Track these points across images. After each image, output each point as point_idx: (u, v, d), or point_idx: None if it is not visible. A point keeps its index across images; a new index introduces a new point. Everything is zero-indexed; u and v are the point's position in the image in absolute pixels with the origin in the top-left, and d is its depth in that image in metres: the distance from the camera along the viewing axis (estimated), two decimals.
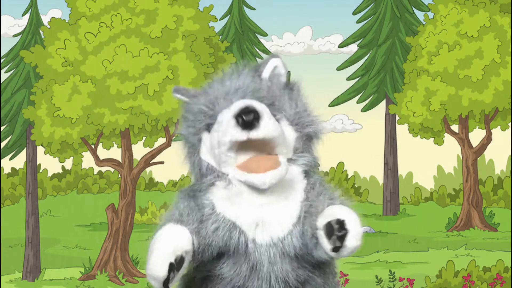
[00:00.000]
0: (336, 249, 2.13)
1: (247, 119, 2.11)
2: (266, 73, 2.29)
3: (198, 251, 2.21)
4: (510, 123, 10.75)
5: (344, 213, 2.16)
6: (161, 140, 9.77)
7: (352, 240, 2.13)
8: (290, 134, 2.24)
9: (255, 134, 2.14)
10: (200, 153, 2.26)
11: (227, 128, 2.15)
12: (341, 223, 2.12)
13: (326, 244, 2.16)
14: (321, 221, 2.18)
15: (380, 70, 11.48)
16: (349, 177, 11.80)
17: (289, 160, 2.23)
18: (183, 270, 2.16)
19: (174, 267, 2.09)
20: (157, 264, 2.10)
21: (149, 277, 2.13)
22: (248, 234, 2.22)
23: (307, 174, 2.28)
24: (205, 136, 2.25)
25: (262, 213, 2.21)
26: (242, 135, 2.14)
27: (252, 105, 2.14)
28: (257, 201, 2.21)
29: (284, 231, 2.23)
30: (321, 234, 2.18)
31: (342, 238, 2.12)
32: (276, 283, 2.24)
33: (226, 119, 2.15)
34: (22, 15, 10.51)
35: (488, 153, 11.28)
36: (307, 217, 2.23)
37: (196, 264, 2.26)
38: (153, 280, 2.11)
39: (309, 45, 11.73)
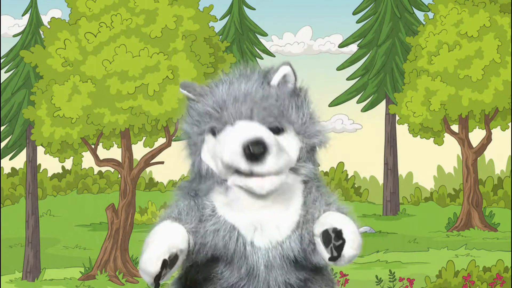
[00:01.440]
0: (333, 258, 2.14)
1: (255, 153, 2.10)
2: (275, 80, 2.26)
3: (193, 251, 2.22)
4: (510, 123, 10.75)
5: (341, 221, 2.16)
6: (161, 140, 9.77)
7: (349, 250, 2.13)
8: (295, 145, 2.24)
9: (259, 168, 2.14)
10: (201, 154, 2.25)
11: (232, 154, 2.14)
12: (338, 233, 2.13)
13: (324, 252, 2.17)
14: (318, 228, 2.19)
15: (380, 70, 11.48)
16: (349, 177, 11.80)
17: (291, 169, 2.23)
18: (176, 268, 2.17)
19: (167, 264, 2.11)
20: (150, 259, 2.13)
21: (141, 272, 2.15)
22: (246, 237, 2.22)
23: (305, 180, 2.28)
24: (209, 138, 2.24)
25: (261, 217, 2.21)
26: (246, 166, 2.13)
27: (262, 138, 2.12)
28: (256, 205, 2.20)
29: (283, 236, 2.23)
30: (318, 242, 2.18)
31: (339, 248, 2.12)
32: (276, 285, 2.24)
33: (233, 144, 2.13)
34: (22, 15, 10.51)
35: (488, 153, 11.29)
36: (305, 223, 2.24)
37: (189, 264, 2.26)
38: (145, 275, 2.14)
39: (309, 45, 11.73)
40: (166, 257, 2.11)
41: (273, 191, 2.19)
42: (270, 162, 2.15)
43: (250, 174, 2.16)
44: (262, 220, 2.22)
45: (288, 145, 2.22)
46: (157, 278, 2.11)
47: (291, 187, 2.24)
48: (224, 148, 2.16)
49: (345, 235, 2.14)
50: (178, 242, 2.17)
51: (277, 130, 2.21)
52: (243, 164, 2.13)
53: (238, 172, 2.18)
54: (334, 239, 2.14)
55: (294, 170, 2.25)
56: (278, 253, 2.24)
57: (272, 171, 2.16)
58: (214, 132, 2.23)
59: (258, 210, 2.22)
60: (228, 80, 2.28)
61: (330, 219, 2.20)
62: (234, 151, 2.13)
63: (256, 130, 2.15)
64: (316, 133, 2.29)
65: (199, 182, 2.28)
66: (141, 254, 2.16)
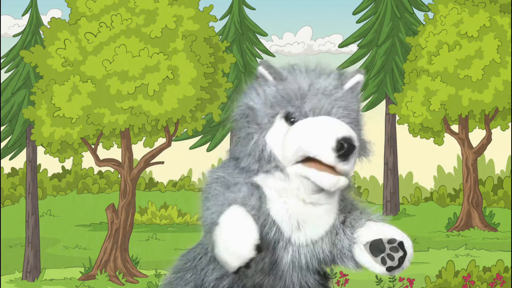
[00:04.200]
0: (391, 269, 2.15)
1: (347, 150, 2.10)
2: (348, 85, 2.27)
3: None
4: (510, 123, 10.75)
5: (398, 234, 2.19)
6: (161, 140, 9.77)
7: (407, 262, 2.16)
8: None
9: (342, 167, 2.13)
10: (266, 135, 2.22)
11: (323, 145, 2.11)
12: (399, 244, 2.14)
13: (369, 261, 2.17)
14: (366, 237, 2.19)
15: (380, 70, 11.48)
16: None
17: None
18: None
19: (261, 249, 2.06)
20: (246, 244, 2.04)
21: (229, 254, 2.06)
22: (285, 233, 2.21)
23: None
24: (281, 122, 2.21)
25: (306, 215, 2.21)
26: (333, 161, 2.12)
27: (353, 137, 2.13)
28: (309, 200, 2.19)
29: (318, 235, 2.23)
30: (362, 249, 2.19)
31: (401, 259, 2.14)
32: (291, 283, 2.24)
33: (326, 137, 2.11)
34: (22, 15, 10.51)
35: (488, 153, 11.28)
36: (342, 228, 2.24)
37: None
38: (235, 258, 2.04)
39: (309, 45, 11.73)
40: (259, 242, 2.07)
41: (340, 189, 2.20)
42: (352, 164, 2.16)
43: (319, 165, 2.14)
44: (307, 218, 2.22)
45: None
46: (248, 263, 2.06)
47: (334, 192, 2.25)
48: (312, 138, 2.13)
49: (406, 248, 2.16)
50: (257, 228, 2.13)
51: None
52: (331, 157, 2.11)
53: (304, 161, 2.16)
54: (393, 249, 2.15)
55: None
56: (309, 251, 2.24)
57: (349, 172, 2.17)
58: (288, 119, 2.20)
59: (307, 206, 2.21)
60: (307, 71, 2.26)
61: (382, 229, 2.22)
62: (326, 143, 2.11)
63: (348, 128, 2.15)
64: (365, 144, 2.31)
65: (255, 163, 2.23)
66: (223, 238, 2.06)
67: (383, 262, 2.18)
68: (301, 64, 2.29)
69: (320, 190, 2.19)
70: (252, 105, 2.24)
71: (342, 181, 2.18)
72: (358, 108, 2.28)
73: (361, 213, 2.32)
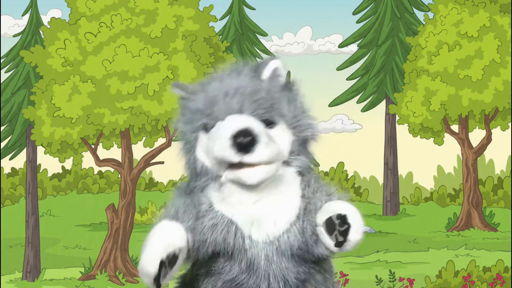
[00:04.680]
0: (339, 244, 2.14)
1: (244, 142, 2.12)
2: (265, 74, 2.28)
3: (193, 249, 2.22)
4: (510, 123, 10.75)
5: (344, 207, 2.17)
6: (161, 140, 9.78)
7: (354, 234, 2.14)
8: (287, 138, 2.25)
9: (248, 158, 2.15)
10: (195, 151, 2.26)
11: (222, 147, 2.16)
12: (342, 218, 2.13)
13: (328, 240, 2.17)
14: (321, 217, 2.19)
15: (380, 70, 11.48)
16: (349, 177, 11.80)
17: (284, 162, 2.24)
18: (178, 268, 2.17)
19: (164, 264, 2.11)
20: (148, 261, 2.14)
21: (141, 274, 2.15)
22: (244, 231, 2.23)
23: (301, 173, 2.28)
24: (202, 135, 2.25)
25: (257, 212, 2.22)
26: (235, 157, 2.15)
27: (251, 128, 2.14)
28: (249, 199, 2.21)
29: (280, 230, 2.23)
30: (322, 231, 2.19)
31: (345, 233, 2.13)
32: (275, 281, 2.24)
33: (222, 136, 2.15)
34: (22, 15, 10.51)
35: (488, 153, 11.29)
36: (306, 215, 2.24)
37: (191, 262, 2.27)
38: (145, 277, 2.14)
39: (309, 45, 11.73)
40: (164, 257, 2.12)
41: (264, 180, 2.20)
42: (260, 151, 2.16)
43: (241, 166, 2.17)
44: (258, 215, 2.23)
45: (279, 138, 2.23)
46: (157, 279, 2.12)
47: (286, 179, 2.25)
48: (214, 142, 2.17)
49: (349, 220, 2.15)
50: (176, 241, 2.17)
51: (268, 123, 2.22)
52: (232, 155, 2.14)
53: (231, 166, 2.19)
54: (339, 224, 2.15)
55: (287, 163, 2.26)
56: (275, 248, 2.24)
57: (262, 160, 2.17)
58: (206, 129, 2.24)
59: (253, 204, 2.22)
60: (219, 76, 2.31)
61: (333, 207, 2.21)
62: (223, 143, 2.15)
63: (244, 121, 2.17)
64: (308, 126, 2.30)
65: (194, 180, 2.29)
66: (140, 256, 2.17)
67: (335, 238, 2.18)
68: (216, 72, 2.34)
69: (254, 187, 2.21)
70: (179, 128, 2.30)
71: (260, 173, 2.19)
72: (276, 96, 2.27)
73: (321, 195, 2.31)
